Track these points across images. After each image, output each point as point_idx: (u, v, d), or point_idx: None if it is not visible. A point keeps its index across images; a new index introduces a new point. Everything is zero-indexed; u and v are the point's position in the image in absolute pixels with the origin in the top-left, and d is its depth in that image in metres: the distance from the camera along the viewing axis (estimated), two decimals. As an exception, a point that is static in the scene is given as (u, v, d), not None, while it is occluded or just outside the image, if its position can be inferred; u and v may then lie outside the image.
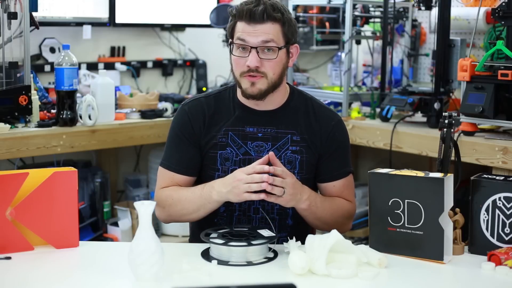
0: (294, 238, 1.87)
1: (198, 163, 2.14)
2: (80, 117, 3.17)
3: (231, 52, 2.07)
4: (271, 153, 1.96)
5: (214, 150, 2.11)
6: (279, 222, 2.12)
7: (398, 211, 1.87)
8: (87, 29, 3.75)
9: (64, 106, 3.09)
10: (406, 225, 1.86)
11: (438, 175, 1.84)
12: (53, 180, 1.89)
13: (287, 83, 2.17)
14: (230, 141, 2.10)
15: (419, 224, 1.85)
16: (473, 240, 1.93)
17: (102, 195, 3.61)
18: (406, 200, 1.86)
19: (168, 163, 2.15)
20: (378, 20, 3.71)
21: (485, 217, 1.90)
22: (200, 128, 2.12)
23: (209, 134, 2.12)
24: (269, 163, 1.96)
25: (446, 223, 1.83)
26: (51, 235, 1.91)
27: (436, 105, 3.17)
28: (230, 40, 2.08)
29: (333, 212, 2.10)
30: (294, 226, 2.15)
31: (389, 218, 1.88)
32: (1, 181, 1.84)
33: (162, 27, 4.16)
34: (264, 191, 1.93)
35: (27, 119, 3.03)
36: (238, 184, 1.94)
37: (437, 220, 1.82)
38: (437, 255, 1.84)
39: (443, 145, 1.99)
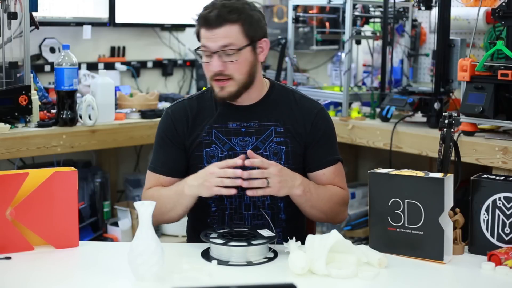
0: (294, 238, 1.87)
1: (183, 164, 2.15)
2: (80, 117, 3.17)
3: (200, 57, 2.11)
4: (249, 151, 1.97)
5: (199, 148, 2.12)
6: (272, 217, 2.12)
7: (398, 211, 1.87)
8: (87, 29, 3.74)
9: (64, 106, 3.08)
10: (406, 225, 1.86)
11: (438, 175, 1.84)
12: (53, 180, 1.89)
13: (267, 78, 2.20)
14: (215, 138, 2.12)
15: (419, 224, 1.85)
16: (473, 240, 1.93)
17: (102, 195, 3.61)
18: (406, 200, 1.86)
19: (154, 166, 2.17)
20: (378, 20, 3.71)
21: (485, 217, 1.90)
22: (183, 129, 2.14)
23: (194, 134, 2.13)
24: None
25: (446, 223, 1.83)
26: (51, 235, 1.91)
27: (436, 105, 3.17)
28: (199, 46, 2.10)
29: (328, 198, 2.10)
30: (287, 221, 2.15)
31: (389, 218, 1.88)
32: (1, 181, 1.84)
33: (162, 27, 4.15)
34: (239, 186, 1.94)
35: (27, 119, 3.03)
36: (209, 178, 1.95)
37: (437, 220, 1.82)
38: (437, 255, 1.84)
39: (443, 145, 1.99)
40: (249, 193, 1.95)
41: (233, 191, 1.93)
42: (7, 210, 1.85)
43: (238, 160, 1.94)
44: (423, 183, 1.84)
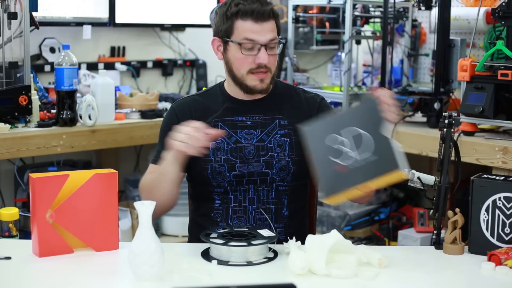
0: (294, 238, 1.87)
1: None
2: (80, 117, 3.17)
3: (225, 51, 2.12)
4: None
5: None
6: (275, 212, 2.13)
7: (337, 145, 1.86)
8: (87, 29, 3.74)
9: (64, 106, 3.08)
10: (349, 155, 1.85)
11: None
12: (93, 182, 1.88)
13: None
14: None
15: (371, 152, 1.83)
16: (473, 240, 1.93)
17: (102, 195, 3.61)
18: (341, 131, 1.85)
19: (155, 158, 2.18)
20: (378, 20, 3.71)
21: (485, 217, 1.90)
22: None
23: None
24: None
25: (389, 134, 1.83)
26: (91, 237, 1.89)
27: (436, 105, 3.17)
28: (220, 39, 2.11)
29: None
30: (290, 217, 2.15)
31: (330, 157, 1.86)
32: (41, 183, 1.82)
33: (162, 27, 4.15)
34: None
35: (27, 119, 3.03)
36: (174, 135, 1.95)
37: (379, 133, 1.82)
38: (392, 166, 1.80)
39: (443, 145, 1.99)
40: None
41: (194, 151, 1.92)
42: (47, 213, 1.83)
43: (219, 132, 1.97)
44: (354, 109, 1.86)
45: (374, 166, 1.82)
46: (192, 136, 1.92)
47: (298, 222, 2.19)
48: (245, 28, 2.07)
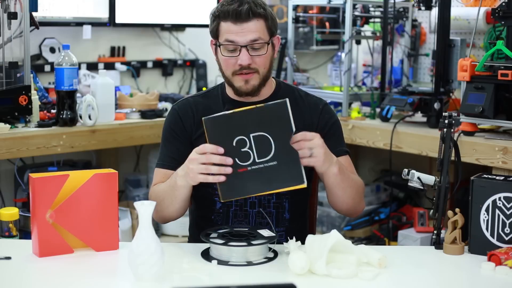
0: (294, 238, 1.87)
1: None
2: (80, 117, 3.17)
3: (216, 53, 2.12)
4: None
5: (205, 143, 2.12)
6: (276, 216, 2.12)
7: (245, 149, 1.85)
8: (87, 29, 3.75)
9: (64, 106, 3.08)
10: (257, 161, 1.84)
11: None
12: (93, 182, 1.88)
13: (272, 77, 2.22)
14: None
15: (271, 155, 1.83)
16: (473, 240, 1.93)
17: (102, 195, 3.60)
18: (251, 135, 1.84)
19: (161, 162, 2.16)
20: (378, 20, 3.71)
21: (485, 217, 1.90)
22: (190, 124, 2.16)
23: (200, 129, 2.13)
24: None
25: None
26: (91, 237, 1.89)
27: (436, 105, 3.17)
28: (215, 41, 2.11)
29: (354, 183, 2.08)
30: (291, 221, 2.15)
31: (236, 159, 1.85)
32: (41, 183, 1.82)
33: (162, 27, 4.15)
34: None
35: (27, 119, 3.03)
36: (192, 164, 1.91)
37: (288, 145, 1.82)
38: (297, 180, 1.82)
39: (443, 145, 1.99)
40: None
41: (222, 178, 1.87)
42: (47, 213, 1.83)
43: (220, 149, 1.87)
44: (265, 112, 1.83)
45: (274, 173, 1.83)
46: (210, 166, 1.87)
47: (300, 226, 2.18)
48: (226, 30, 2.05)
